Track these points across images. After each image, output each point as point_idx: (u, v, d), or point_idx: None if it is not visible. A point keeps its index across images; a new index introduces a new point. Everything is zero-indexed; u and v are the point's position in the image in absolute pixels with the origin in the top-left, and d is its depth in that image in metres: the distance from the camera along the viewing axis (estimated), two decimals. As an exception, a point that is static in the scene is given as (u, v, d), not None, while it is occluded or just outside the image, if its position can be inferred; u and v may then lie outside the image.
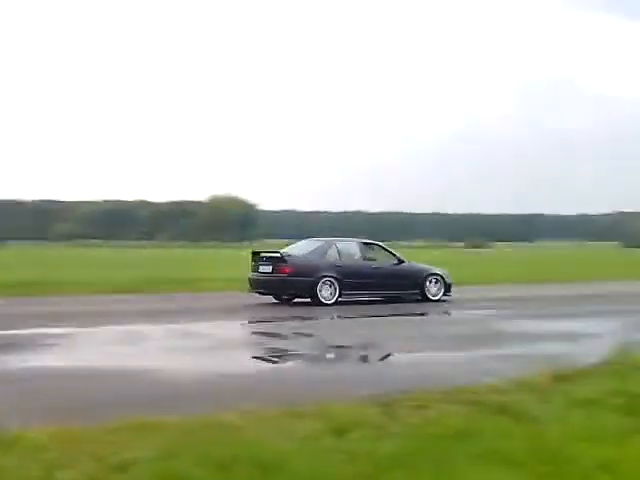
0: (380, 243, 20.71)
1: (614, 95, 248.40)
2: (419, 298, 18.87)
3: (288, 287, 17.94)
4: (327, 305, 17.45)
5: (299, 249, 19.36)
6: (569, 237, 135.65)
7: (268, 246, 51.28)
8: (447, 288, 19.35)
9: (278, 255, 18.13)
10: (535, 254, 78.95)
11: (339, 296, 17.81)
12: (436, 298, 19.04)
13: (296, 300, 18.47)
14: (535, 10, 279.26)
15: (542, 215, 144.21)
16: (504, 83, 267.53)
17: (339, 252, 18.55)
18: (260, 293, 18.58)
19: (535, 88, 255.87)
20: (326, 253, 18.49)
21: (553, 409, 6.27)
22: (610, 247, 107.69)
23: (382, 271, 18.82)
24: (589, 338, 12.40)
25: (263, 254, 18.87)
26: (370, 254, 19.44)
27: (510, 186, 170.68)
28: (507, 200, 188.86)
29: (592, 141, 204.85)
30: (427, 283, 19.02)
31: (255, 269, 18.49)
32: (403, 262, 19.28)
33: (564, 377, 7.68)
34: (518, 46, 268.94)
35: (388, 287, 18.84)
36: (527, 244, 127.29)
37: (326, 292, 17.65)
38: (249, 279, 18.63)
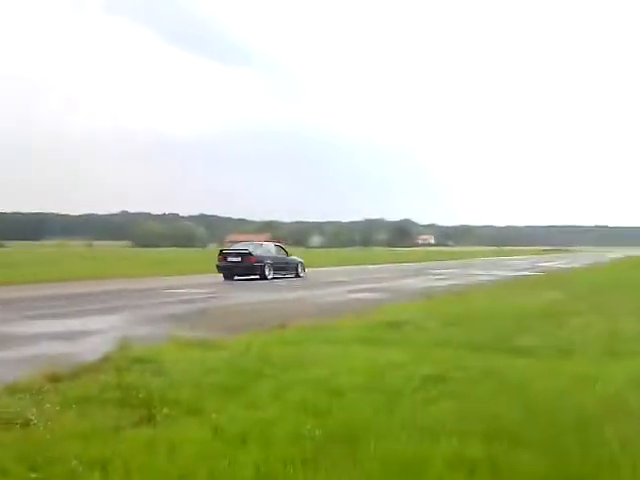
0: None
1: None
2: None
3: (251, 270, 29.90)
4: (268, 279, 29.76)
5: (253, 248, 31.12)
6: (77, 236, 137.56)
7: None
8: None
9: (246, 251, 30.20)
10: (40, 252, 78.37)
11: (273, 274, 30.34)
12: None
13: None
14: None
15: (50, 214, 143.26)
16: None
17: (270, 250, 32.19)
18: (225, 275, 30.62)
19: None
20: (267, 250, 31.83)
21: (46, 411, 5.96)
22: (119, 246, 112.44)
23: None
24: (92, 335, 12.45)
25: (231, 250, 32.13)
26: (280, 251, 33.03)
27: (19, 184, 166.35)
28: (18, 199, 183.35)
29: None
30: None
31: (222, 260, 30.77)
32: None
33: (60, 377, 7.49)
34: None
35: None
36: (35, 243, 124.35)
37: (268, 272, 30.02)
38: (217, 266, 30.85)
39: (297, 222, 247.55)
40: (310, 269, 34.28)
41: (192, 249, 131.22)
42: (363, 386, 7.01)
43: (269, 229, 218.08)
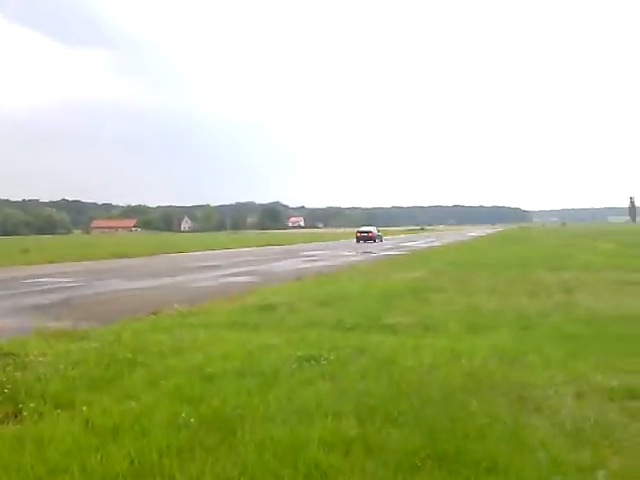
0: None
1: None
2: None
3: (370, 239, 64.48)
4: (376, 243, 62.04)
5: (372, 229, 68.98)
6: None
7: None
8: None
9: (369, 231, 66.99)
10: None
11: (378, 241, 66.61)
12: None
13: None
14: None
15: None
16: None
17: (376, 230, 69.57)
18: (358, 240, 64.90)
19: None
20: (376, 230, 69.70)
21: None
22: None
23: None
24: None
25: (362, 230, 68.24)
26: (379, 230, 75.58)
27: None
28: None
29: None
30: None
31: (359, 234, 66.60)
32: None
33: None
34: None
35: None
36: None
37: (377, 240, 65.71)
38: (356, 236, 66.51)
39: (165, 206, 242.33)
40: (179, 254, 33.62)
41: (55, 236, 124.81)
42: (238, 370, 7.01)
43: (136, 214, 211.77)
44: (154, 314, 12.25)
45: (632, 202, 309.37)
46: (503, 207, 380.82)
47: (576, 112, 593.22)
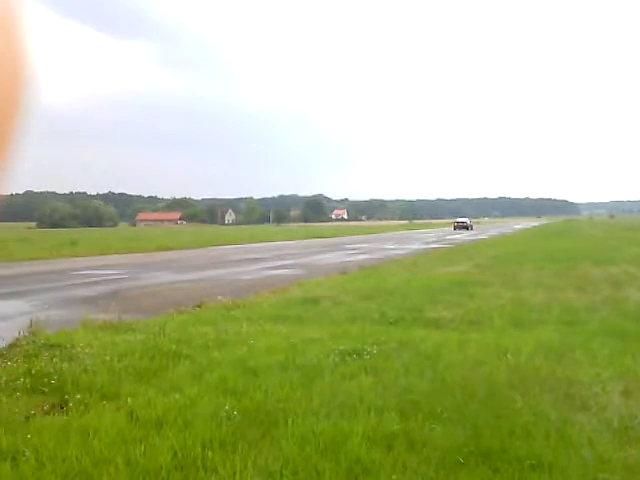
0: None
1: None
2: None
3: (466, 228, 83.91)
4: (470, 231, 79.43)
5: (467, 219, 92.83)
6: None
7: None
8: None
9: (465, 221, 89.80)
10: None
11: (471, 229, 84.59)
12: None
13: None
14: None
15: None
16: None
17: (470, 221, 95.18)
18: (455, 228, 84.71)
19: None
20: (470, 220, 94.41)
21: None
22: (24, 227, 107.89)
23: None
24: (-2, 321, 11.84)
25: (459, 220, 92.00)
26: (472, 220, 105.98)
27: None
28: None
29: None
30: None
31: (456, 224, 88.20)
32: None
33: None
34: None
35: None
36: None
37: (470, 228, 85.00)
38: (454, 225, 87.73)
39: (209, 199, 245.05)
40: (224, 247, 33.89)
41: (102, 229, 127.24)
42: (281, 364, 7.03)
43: (180, 206, 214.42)
44: (198, 306, 12.37)
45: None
46: (549, 199, 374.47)
47: (624, 102, 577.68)
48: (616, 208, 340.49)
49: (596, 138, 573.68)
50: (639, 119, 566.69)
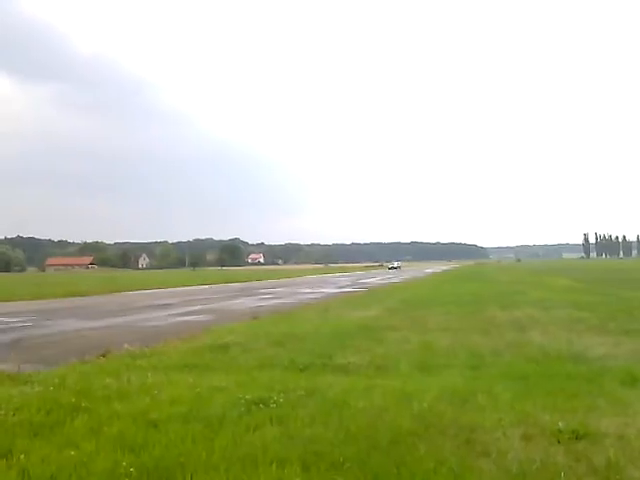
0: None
1: None
2: None
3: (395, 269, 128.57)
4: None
5: (396, 263, 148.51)
6: None
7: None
8: None
9: (396, 264, 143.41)
10: None
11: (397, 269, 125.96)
12: None
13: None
14: None
15: None
16: None
17: (398, 263, 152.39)
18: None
19: None
20: (398, 263, 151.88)
21: None
22: None
23: None
24: None
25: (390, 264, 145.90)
26: (400, 263, 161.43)
27: None
28: None
29: None
30: None
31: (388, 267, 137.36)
32: None
33: None
34: None
35: None
36: None
37: (398, 269, 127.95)
38: (388, 268, 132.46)
39: (122, 243, 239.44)
40: (135, 293, 33.11)
41: (9, 274, 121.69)
42: (184, 415, 6.84)
43: (92, 251, 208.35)
44: (103, 356, 11.94)
45: (586, 239, 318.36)
46: (460, 244, 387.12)
47: (530, 151, 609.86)
48: (522, 252, 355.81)
49: (504, 186, 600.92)
50: (543, 168, 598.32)
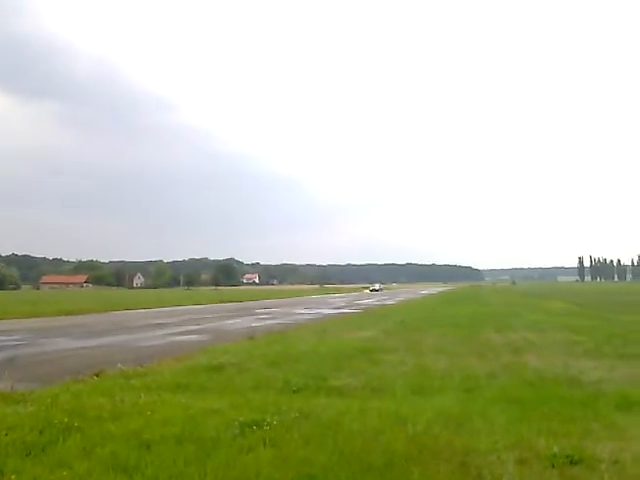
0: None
1: None
2: None
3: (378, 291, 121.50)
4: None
5: (378, 286, 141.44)
6: None
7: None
8: None
9: (378, 287, 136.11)
10: None
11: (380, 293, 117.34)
12: None
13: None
14: None
15: None
16: None
17: (380, 286, 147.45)
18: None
19: None
20: (380, 286, 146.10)
21: None
22: None
23: None
24: None
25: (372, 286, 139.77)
26: (382, 286, 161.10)
27: None
28: None
29: None
30: None
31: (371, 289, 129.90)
32: None
33: None
34: None
35: None
36: None
37: (380, 292, 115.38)
38: (370, 290, 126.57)
39: (117, 262, 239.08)
40: (130, 312, 32.99)
41: (3, 292, 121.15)
42: (177, 437, 6.78)
43: (87, 269, 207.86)
44: (97, 375, 11.87)
45: (581, 262, 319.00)
46: (455, 266, 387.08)
47: (526, 174, 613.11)
48: (517, 274, 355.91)
49: (500, 209, 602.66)
50: (539, 191, 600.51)
